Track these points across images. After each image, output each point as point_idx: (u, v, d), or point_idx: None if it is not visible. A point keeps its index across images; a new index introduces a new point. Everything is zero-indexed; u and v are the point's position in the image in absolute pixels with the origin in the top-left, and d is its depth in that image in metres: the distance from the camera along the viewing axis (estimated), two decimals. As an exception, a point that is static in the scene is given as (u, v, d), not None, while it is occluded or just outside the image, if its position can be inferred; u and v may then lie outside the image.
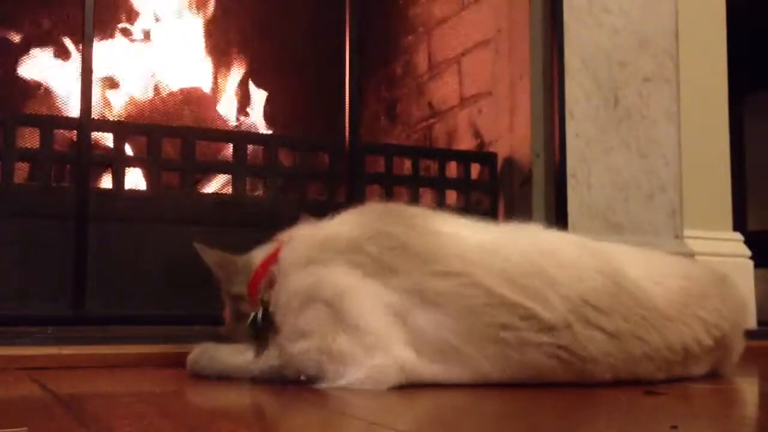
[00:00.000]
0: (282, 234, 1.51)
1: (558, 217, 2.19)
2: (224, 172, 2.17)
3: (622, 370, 1.32)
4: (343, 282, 1.29)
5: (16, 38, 2.51)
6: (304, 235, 1.42)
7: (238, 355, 1.40)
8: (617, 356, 1.31)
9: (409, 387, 1.26)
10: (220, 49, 2.78)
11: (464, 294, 1.26)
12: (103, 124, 2.13)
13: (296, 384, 1.29)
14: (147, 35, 2.65)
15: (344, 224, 1.39)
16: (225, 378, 1.38)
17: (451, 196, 2.37)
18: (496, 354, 1.26)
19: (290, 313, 1.33)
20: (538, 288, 1.28)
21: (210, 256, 1.51)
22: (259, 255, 1.50)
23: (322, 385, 1.26)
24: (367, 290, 1.28)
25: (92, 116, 1.92)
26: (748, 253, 2.47)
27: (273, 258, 1.44)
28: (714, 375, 1.48)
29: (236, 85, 2.76)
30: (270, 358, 1.35)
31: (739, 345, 1.52)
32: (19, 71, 2.49)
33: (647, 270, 1.42)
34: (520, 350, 1.27)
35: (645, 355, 1.33)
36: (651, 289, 1.38)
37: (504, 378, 1.28)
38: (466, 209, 2.30)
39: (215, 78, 2.75)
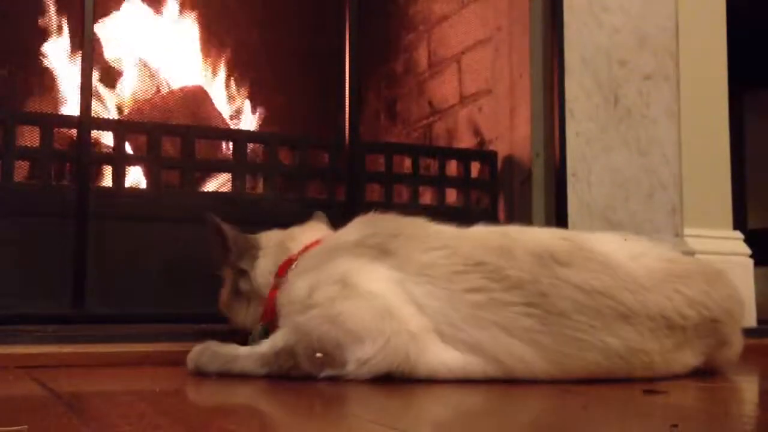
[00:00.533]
0: (294, 232, 1.59)
1: (558, 216, 2.19)
2: (224, 171, 2.17)
3: (600, 329, 1.31)
4: (350, 265, 1.39)
5: (15, 37, 2.51)
6: (312, 252, 1.50)
7: (241, 349, 1.41)
8: (589, 314, 1.31)
9: (409, 383, 1.25)
10: (219, 47, 2.77)
11: (445, 263, 1.37)
12: (103, 123, 2.13)
13: (301, 379, 1.29)
14: (146, 34, 2.65)
15: (348, 233, 1.51)
16: (227, 375, 1.38)
17: (451, 194, 2.37)
18: (476, 317, 1.32)
19: (297, 302, 1.39)
20: (505, 247, 1.37)
21: (227, 228, 1.57)
22: (268, 241, 1.58)
23: (330, 372, 1.29)
24: (372, 268, 1.38)
25: (92, 115, 1.92)
26: (749, 251, 2.47)
27: (285, 268, 1.51)
28: (713, 372, 1.48)
29: (236, 83, 2.76)
30: (276, 340, 1.36)
31: (736, 339, 1.51)
32: (19, 70, 2.49)
33: (623, 248, 1.44)
34: (495, 311, 1.31)
35: (621, 316, 1.33)
36: (624, 262, 1.39)
37: (496, 347, 1.31)
38: (466, 208, 2.30)
39: (215, 76, 2.75)
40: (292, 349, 1.34)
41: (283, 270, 1.51)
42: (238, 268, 1.56)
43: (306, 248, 1.53)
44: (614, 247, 1.43)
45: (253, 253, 1.56)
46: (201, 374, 1.40)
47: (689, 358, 1.41)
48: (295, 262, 1.50)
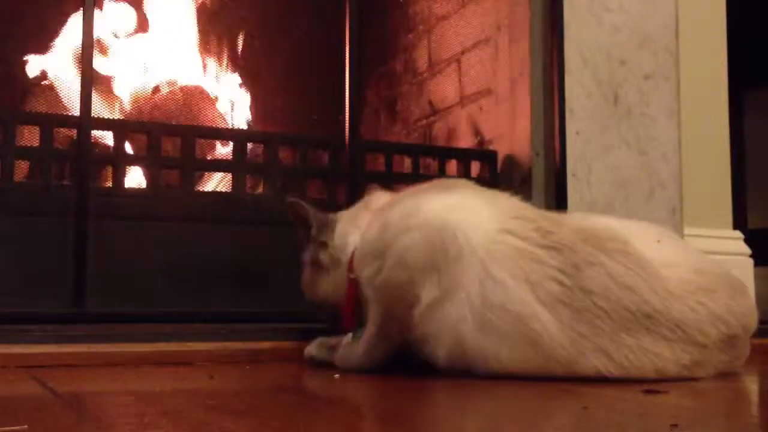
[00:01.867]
0: (365, 200, 1.67)
1: (558, 215, 2.19)
2: (224, 171, 2.17)
3: (619, 323, 1.31)
4: (418, 198, 1.49)
5: (16, 36, 2.50)
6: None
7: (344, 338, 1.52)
8: (614, 304, 1.31)
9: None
10: (219, 47, 2.77)
11: (504, 209, 1.44)
12: (103, 123, 2.13)
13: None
14: (146, 33, 2.65)
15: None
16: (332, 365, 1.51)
17: (452, 194, 2.37)
18: (512, 260, 1.35)
19: (368, 249, 1.49)
20: (554, 217, 1.45)
21: (308, 206, 1.64)
22: (342, 214, 1.65)
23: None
24: (440, 195, 1.47)
25: (92, 114, 1.92)
26: (749, 251, 2.47)
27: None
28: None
29: (236, 82, 2.76)
30: (370, 322, 1.45)
31: (747, 350, 1.50)
32: (19, 69, 2.49)
33: (658, 252, 1.43)
34: (529, 264, 1.34)
35: (644, 316, 1.32)
36: (658, 266, 1.38)
37: (519, 294, 1.33)
38: (466, 207, 2.30)
39: (214, 76, 2.75)
40: (383, 317, 1.43)
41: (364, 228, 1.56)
42: (318, 242, 1.61)
43: (381, 210, 1.56)
44: (650, 247, 1.42)
45: (331, 225, 1.61)
46: (316, 366, 1.53)
47: (703, 373, 1.40)
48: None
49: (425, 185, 1.56)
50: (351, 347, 1.52)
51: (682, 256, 1.47)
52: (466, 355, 1.37)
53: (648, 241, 1.45)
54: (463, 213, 1.40)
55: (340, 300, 1.56)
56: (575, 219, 1.48)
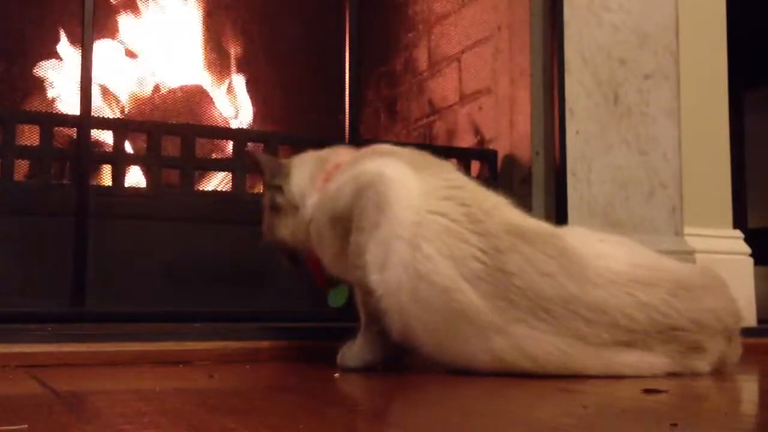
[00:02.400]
0: (325, 152, 1.69)
1: (558, 215, 2.19)
2: (224, 170, 2.17)
3: (534, 300, 1.37)
4: (378, 162, 1.55)
5: (15, 35, 2.50)
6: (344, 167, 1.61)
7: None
8: (531, 282, 1.38)
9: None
10: (219, 46, 2.77)
11: (442, 186, 1.51)
12: (103, 122, 2.13)
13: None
14: (146, 32, 2.65)
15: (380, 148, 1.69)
16: (365, 368, 1.51)
17: (451, 193, 2.36)
18: (441, 236, 1.43)
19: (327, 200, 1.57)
20: (486, 209, 1.47)
21: (259, 155, 1.77)
22: (299, 160, 1.69)
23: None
24: (398, 165, 1.53)
25: (92, 114, 1.92)
26: (749, 250, 2.47)
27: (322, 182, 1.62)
28: (714, 372, 1.48)
29: (236, 82, 2.76)
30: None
31: (714, 347, 1.48)
32: (19, 68, 2.49)
33: (596, 247, 1.48)
34: (454, 240, 1.41)
35: (562, 298, 1.38)
36: (588, 257, 1.43)
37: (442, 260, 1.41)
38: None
39: (214, 75, 2.75)
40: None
41: (321, 184, 1.61)
42: (273, 186, 1.66)
43: (338, 166, 1.61)
44: (587, 244, 1.47)
45: (284, 170, 1.66)
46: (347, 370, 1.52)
47: (641, 359, 1.41)
48: (329, 176, 1.60)
49: (368, 151, 1.63)
50: (350, 346, 1.53)
51: (622, 252, 1.50)
52: (409, 326, 1.42)
53: (590, 240, 1.51)
54: (400, 189, 1.46)
55: (296, 243, 1.64)
56: (511, 215, 1.50)
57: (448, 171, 1.58)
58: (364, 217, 1.45)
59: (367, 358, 1.52)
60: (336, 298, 1.67)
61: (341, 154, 1.67)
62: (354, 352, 1.53)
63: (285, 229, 1.65)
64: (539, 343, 1.37)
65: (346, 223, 1.49)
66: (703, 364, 1.47)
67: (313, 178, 1.63)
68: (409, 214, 1.43)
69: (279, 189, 1.66)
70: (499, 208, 1.50)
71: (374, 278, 1.43)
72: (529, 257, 1.40)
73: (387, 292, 1.42)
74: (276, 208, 1.66)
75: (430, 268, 1.39)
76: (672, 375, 1.42)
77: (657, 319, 1.42)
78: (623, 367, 1.40)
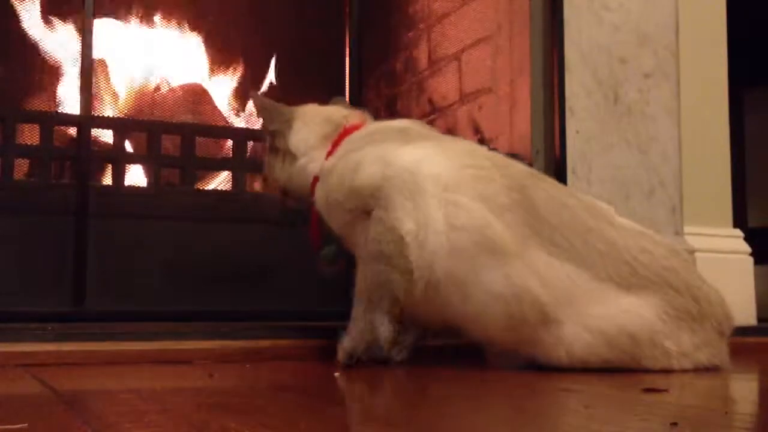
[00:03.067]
0: (331, 112, 1.75)
1: (558, 214, 2.19)
2: (224, 169, 2.17)
3: (557, 226, 1.48)
4: (390, 147, 1.62)
5: (16, 34, 2.50)
6: (354, 136, 1.68)
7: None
8: (553, 210, 1.49)
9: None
10: (218, 45, 2.77)
11: (460, 149, 1.63)
12: (103, 121, 2.13)
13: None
14: (146, 31, 2.65)
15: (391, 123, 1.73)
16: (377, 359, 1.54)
17: (451, 192, 2.37)
18: (471, 184, 1.53)
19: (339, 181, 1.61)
20: (505, 161, 1.62)
21: (260, 98, 1.83)
22: (303, 113, 1.75)
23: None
24: (408, 149, 1.60)
25: (92, 113, 1.92)
26: (749, 249, 2.47)
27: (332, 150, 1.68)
28: (714, 371, 1.48)
29: (236, 81, 2.76)
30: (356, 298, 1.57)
31: (704, 334, 1.50)
32: (19, 68, 2.49)
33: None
34: (485, 184, 1.52)
35: (584, 228, 1.49)
36: (602, 207, 1.59)
37: (476, 205, 1.51)
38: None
39: (214, 74, 2.75)
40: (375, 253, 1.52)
41: (331, 147, 1.67)
42: (270, 131, 1.73)
43: (347, 132, 1.68)
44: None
45: (286, 117, 1.72)
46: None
47: (633, 303, 1.45)
48: (338, 147, 1.66)
49: (382, 131, 1.67)
50: (342, 342, 1.55)
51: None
52: (437, 287, 1.48)
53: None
54: (429, 165, 1.54)
55: (291, 187, 1.73)
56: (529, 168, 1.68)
57: (462, 139, 1.75)
58: (398, 203, 1.50)
59: (369, 340, 1.54)
60: (326, 255, 1.70)
61: (351, 118, 1.72)
62: (355, 340, 1.54)
63: (282, 172, 1.73)
64: (553, 269, 1.44)
65: (365, 198, 1.54)
66: (689, 338, 1.47)
67: (321, 137, 1.70)
68: (439, 190, 1.51)
69: (279, 134, 1.73)
70: (517, 163, 1.63)
71: (414, 254, 1.48)
72: (551, 193, 1.52)
73: (424, 264, 1.48)
74: (275, 150, 1.74)
75: (464, 215, 1.48)
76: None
77: (658, 270, 1.47)
78: (618, 311, 1.44)
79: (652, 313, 1.45)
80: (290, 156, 1.72)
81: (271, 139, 1.75)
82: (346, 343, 1.54)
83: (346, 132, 1.69)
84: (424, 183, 1.51)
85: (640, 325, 1.44)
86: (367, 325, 1.54)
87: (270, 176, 1.77)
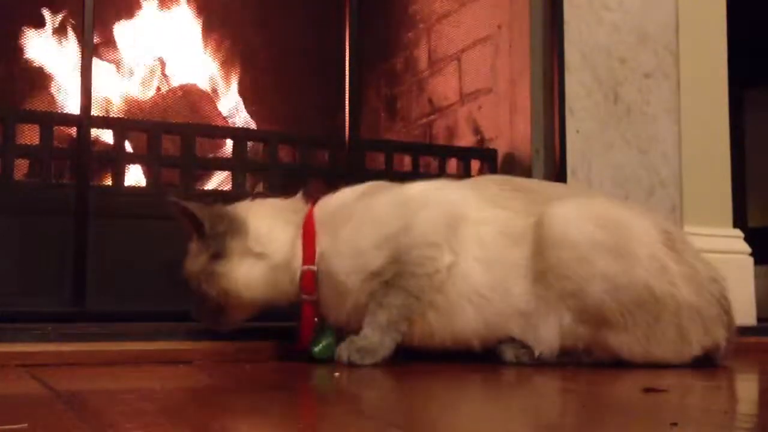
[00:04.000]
0: (280, 205, 1.70)
1: (558, 214, 2.19)
2: (224, 169, 2.17)
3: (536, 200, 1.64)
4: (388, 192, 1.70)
5: (16, 34, 2.50)
6: (327, 214, 1.67)
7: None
8: (530, 189, 1.71)
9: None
10: (219, 45, 2.77)
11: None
12: (103, 121, 2.13)
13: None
14: (146, 31, 2.65)
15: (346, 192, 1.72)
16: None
17: (451, 192, 2.36)
18: (491, 200, 1.67)
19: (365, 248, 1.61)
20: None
21: (192, 204, 1.64)
22: (254, 215, 1.67)
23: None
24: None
25: (92, 113, 1.92)
26: (749, 249, 2.47)
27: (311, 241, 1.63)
28: (713, 370, 1.48)
29: (236, 81, 2.76)
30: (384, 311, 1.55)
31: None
32: (19, 67, 2.49)
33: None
34: (504, 198, 1.66)
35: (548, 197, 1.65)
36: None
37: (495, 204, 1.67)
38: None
39: (214, 74, 2.75)
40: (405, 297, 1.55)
41: (308, 239, 1.61)
42: (219, 233, 1.60)
43: (309, 215, 1.63)
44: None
45: (229, 218, 1.62)
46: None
47: None
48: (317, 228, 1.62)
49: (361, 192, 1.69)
50: (354, 344, 1.54)
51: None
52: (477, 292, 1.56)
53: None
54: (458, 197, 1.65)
55: (254, 292, 1.61)
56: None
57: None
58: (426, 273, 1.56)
59: (381, 359, 1.55)
60: (323, 351, 1.60)
61: (297, 202, 1.69)
62: (378, 335, 1.55)
63: (243, 277, 1.60)
64: None
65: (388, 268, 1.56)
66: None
67: (289, 230, 1.63)
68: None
69: (226, 236, 1.60)
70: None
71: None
72: (533, 186, 1.76)
73: (454, 286, 1.58)
74: (222, 256, 1.60)
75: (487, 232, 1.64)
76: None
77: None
78: None
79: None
80: (252, 257, 1.60)
81: (218, 244, 1.60)
82: (354, 346, 1.55)
83: (309, 216, 1.64)
84: (449, 264, 1.57)
85: None
86: (380, 344, 1.55)
87: (210, 289, 1.60)
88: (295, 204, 1.69)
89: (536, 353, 1.53)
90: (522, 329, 1.55)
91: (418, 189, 1.65)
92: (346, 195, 1.68)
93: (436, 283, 1.55)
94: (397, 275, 1.55)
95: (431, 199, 1.62)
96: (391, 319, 1.55)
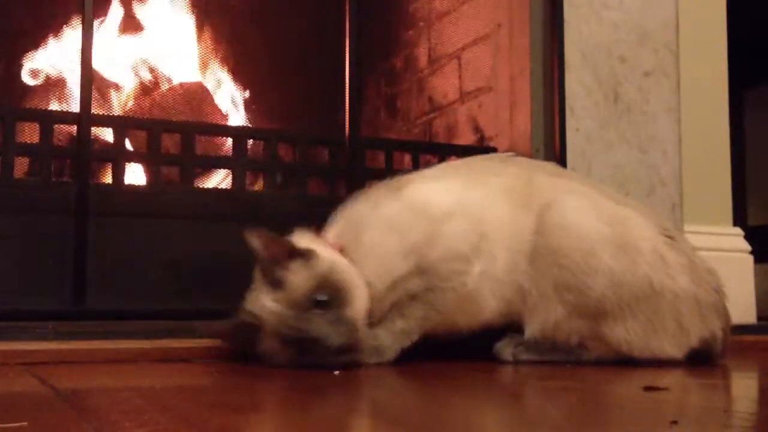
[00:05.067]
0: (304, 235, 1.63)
1: (558, 212, 2.19)
2: (224, 167, 2.17)
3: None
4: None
5: (16, 33, 2.50)
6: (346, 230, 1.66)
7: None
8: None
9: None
10: (219, 44, 2.77)
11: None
12: (103, 119, 2.13)
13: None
14: (145, 30, 2.65)
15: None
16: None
17: (451, 191, 2.36)
18: (483, 179, 1.70)
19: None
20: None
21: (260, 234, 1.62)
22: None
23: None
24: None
25: (92, 111, 1.92)
26: (749, 248, 2.47)
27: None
28: (712, 368, 1.48)
29: (236, 79, 2.76)
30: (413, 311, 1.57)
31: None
32: (18, 66, 2.49)
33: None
34: (494, 178, 1.69)
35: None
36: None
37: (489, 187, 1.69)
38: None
39: (214, 72, 2.75)
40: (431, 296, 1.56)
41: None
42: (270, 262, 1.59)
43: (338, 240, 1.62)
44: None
45: (289, 245, 1.60)
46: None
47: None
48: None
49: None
50: (375, 340, 1.55)
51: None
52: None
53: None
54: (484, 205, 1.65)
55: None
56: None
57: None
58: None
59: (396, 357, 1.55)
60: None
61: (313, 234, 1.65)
62: (387, 346, 1.55)
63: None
64: None
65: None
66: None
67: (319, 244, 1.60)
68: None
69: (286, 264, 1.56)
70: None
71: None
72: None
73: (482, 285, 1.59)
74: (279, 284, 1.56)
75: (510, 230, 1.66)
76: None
77: None
78: None
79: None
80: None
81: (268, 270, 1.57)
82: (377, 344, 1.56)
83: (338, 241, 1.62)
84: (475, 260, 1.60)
85: None
86: (389, 347, 1.56)
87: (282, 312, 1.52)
88: (304, 237, 1.63)
89: (526, 335, 1.55)
90: (519, 307, 1.57)
91: (429, 193, 1.63)
92: (350, 213, 1.66)
93: (462, 295, 1.56)
94: (427, 290, 1.56)
95: (454, 209, 1.60)
96: (405, 329, 1.56)
